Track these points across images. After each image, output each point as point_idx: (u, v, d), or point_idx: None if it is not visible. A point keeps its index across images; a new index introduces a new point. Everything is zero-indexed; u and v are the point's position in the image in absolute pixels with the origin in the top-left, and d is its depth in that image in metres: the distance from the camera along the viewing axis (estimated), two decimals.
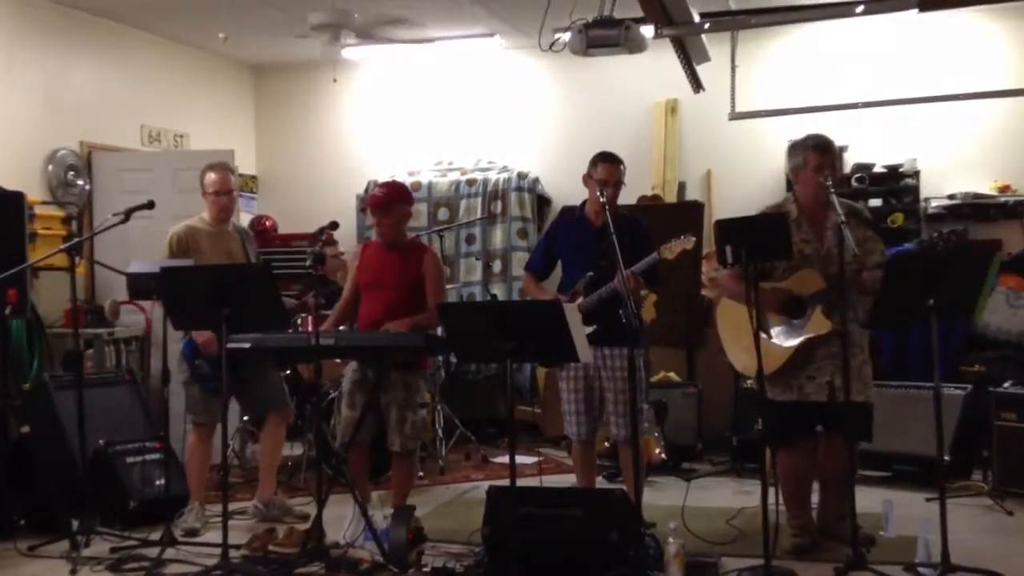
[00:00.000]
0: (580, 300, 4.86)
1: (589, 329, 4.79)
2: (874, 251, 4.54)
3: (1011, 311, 6.68)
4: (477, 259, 8.41)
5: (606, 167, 4.86)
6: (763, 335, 4.52)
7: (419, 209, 8.55)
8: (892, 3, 6.28)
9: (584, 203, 5.04)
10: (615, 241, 4.31)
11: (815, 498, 4.85)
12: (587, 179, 4.92)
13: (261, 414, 5.77)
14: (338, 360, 6.28)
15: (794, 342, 4.50)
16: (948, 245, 4.52)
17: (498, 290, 8.29)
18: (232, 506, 4.89)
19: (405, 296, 4.99)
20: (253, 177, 9.37)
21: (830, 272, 4.39)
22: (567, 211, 7.86)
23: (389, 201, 5.07)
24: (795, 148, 4.66)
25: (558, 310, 3.82)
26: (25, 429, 5.38)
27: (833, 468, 4.62)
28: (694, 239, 4.67)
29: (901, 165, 7.74)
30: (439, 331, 5.22)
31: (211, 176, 5.42)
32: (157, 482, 5.33)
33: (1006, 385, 5.74)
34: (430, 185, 8.62)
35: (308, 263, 4.77)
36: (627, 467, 5.02)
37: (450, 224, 8.30)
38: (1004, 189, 7.55)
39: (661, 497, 5.76)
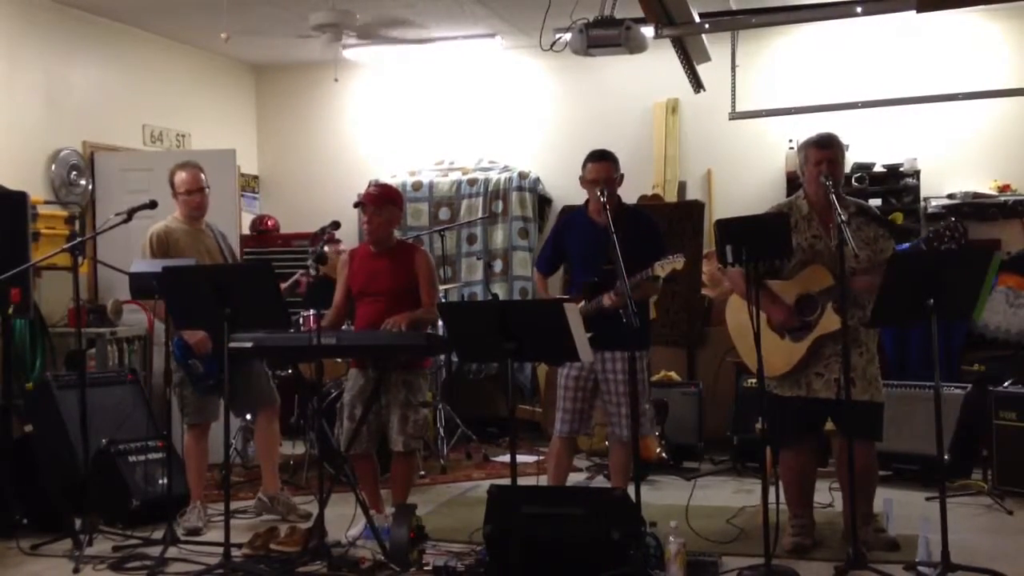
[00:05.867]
0: (581, 304, 4.86)
1: (588, 335, 4.79)
2: (886, 249, 4.56)
3: (1011, 311, 6.69)
4: (478, 259, 8.43)
5: (594, 167, 4.87)
6: (775, 334, 4.55)
7: (420, 209, 8.58)
8: (891, 3, 6.29)
9: (587, 202, 5.05)
10: (618, 250, 4.32)
11: (838, 503, 4.84)
12: (582, 182, 4.93)
13: (250, 412, 5.78)
14: (338, 360, 6.30)
15: (806, 340, 4.51)
16: (954, 236, 4.49)
17: (499, 290, 8.30)
18: (234, 505, 4.92)
19: (400, 300, 4.94)
20: (255, 177, 9.39)
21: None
22: (567, 210, 7.92)
23: (383, 198, 5.04)
24: (800, 146, 4.73)
25: (559, 309, 3.83)
26: (28, 428, 5.38)
27: (850, 470, 4.43)
28: (684, 259, 4.64)
29: (901, 165, 7.75)
30: (440, 330, 5.23)
31: (181, 175, 5.41)
32: (159, 481, 5.32)
33: (1006, 384, 5.75)
34: (431, 185, 8.63)
35: (309, 262, 4.79)
36: (616, 467, 5.03)
37: (451, 224, 8.32)
38: (1004, 189, 7.56)
39: (662, 496, 5.78)
